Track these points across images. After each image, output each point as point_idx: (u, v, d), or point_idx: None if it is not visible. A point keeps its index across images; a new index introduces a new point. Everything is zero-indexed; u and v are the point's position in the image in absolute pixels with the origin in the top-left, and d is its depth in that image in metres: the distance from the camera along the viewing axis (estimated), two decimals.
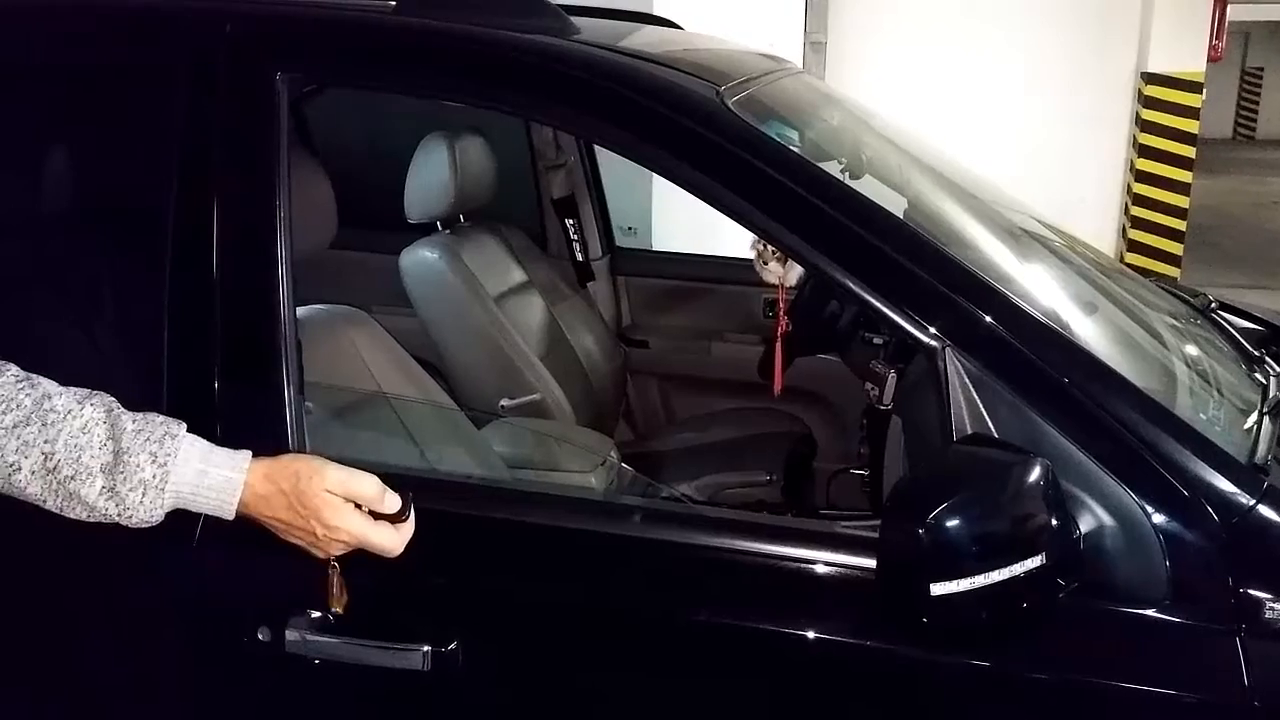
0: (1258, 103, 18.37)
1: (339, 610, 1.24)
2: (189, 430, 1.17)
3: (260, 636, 1.30)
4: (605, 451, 2.23)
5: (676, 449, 2.65)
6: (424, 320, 2.47)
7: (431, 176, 2.36)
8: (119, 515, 1.13)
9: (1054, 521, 1.15)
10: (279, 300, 1.36)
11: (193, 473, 1.14)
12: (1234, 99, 18.31)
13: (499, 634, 1.33)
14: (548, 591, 1.33)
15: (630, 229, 3.91)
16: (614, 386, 2.81)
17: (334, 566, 1.21)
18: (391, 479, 1.19)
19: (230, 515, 1.16)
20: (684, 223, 3.64)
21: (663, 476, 2.40)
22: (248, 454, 1.17)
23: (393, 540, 1.17)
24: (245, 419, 1.35)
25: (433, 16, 1.52)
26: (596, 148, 2.86)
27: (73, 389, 1.16)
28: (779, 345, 2.37)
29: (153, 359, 1.36)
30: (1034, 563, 1.14)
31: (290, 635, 1.29)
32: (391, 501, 1.17)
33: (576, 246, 2.90)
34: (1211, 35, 6.74)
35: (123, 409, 1.16)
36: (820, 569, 1.27)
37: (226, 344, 1.36)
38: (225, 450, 1.17)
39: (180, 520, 1.19)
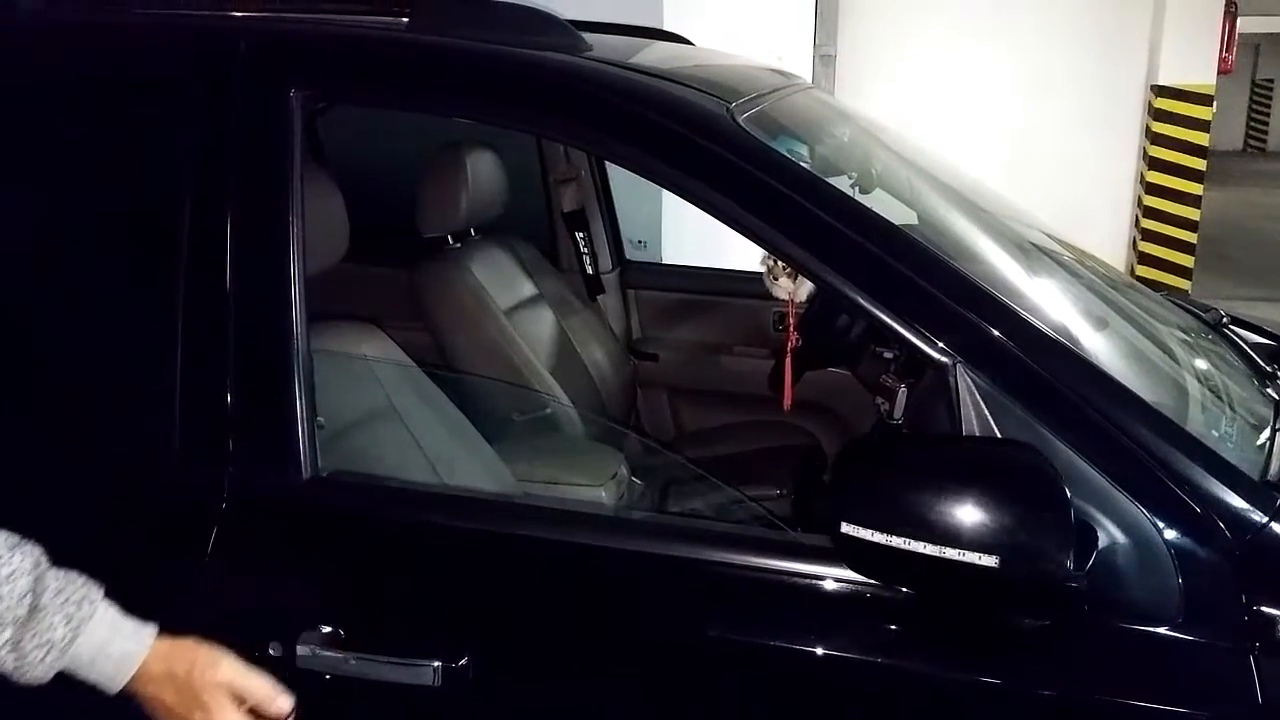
0: (1268, 115, 18.36)
1: None
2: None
3: (271, 651, 1.30)
4: (615, 465, 2.23)
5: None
6: (435, 333, 2.47)
7: (443, 190, 2.37)
8: (12, 670, 1.10)
9: (1020, 537, 1.11)
10: (292, 315, 1.37)
11: (98, 640, 1.12)
12: (1244, 111, 18.30)
13: (510, 649, 1.33)
14: (558, 606, 1.33)
15: (640, 242, 3.90)
16: (623, 399, 2.81)
17: None
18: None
19: (115, 690, 1.14)
20: (694, 236, 3.64)
21: (672, 490, 2.40)
22: (154, 629, 1.15)
23: None
24: (258, 433, 1.36)
25: (445, 34, 1.53)
26: (607, 162, 2.87)
27: (4, 533, 1.12)
28: (789, 359, 2.37)
29: (166, 373, 1.37)
30: (978, 560, 1.11)
31: (301, 650, 1.29)
32: (283, 703, 1.16)
33: (587, 260, 2.90)
34: (1221, 47, 6.74)
35: (49, 564, 1.13)
36: (830, 585, 1.27)
37: (239, 358, 1.36)
38: (133, 621, 1.14)
39: (193, 532, 1.19)
